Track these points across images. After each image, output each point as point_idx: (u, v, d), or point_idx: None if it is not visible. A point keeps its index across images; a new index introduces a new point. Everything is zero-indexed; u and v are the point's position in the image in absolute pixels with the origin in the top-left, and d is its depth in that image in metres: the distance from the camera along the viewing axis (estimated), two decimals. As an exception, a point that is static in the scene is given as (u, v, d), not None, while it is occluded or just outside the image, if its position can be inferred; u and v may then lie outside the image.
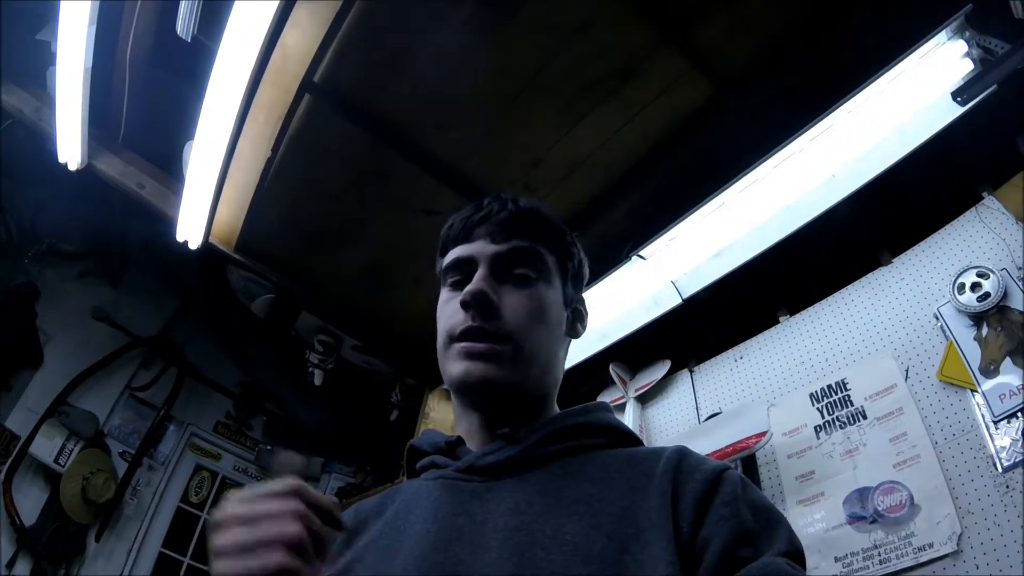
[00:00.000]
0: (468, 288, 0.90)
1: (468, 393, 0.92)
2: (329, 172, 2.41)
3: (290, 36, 1.91)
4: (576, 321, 1.05)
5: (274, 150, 2.25)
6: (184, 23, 2.18)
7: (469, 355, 0.88)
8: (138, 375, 3.57)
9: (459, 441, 0.95)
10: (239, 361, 3.94)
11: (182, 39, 2.23)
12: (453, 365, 0.90)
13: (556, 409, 0.98)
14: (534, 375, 0.93)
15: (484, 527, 0.78)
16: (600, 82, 2.07)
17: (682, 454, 0.84)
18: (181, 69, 2.43)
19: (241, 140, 2.17)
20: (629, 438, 0.96)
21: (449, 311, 0.94)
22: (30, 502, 3.05)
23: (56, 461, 3.13)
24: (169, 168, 2.70)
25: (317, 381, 3.26)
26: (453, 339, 0.91)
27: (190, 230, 2.57)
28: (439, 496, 0.85)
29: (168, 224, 2.62)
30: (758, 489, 0.82)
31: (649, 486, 0.79)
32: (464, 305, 0.90)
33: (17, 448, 3.05)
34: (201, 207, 2.46)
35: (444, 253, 1.02)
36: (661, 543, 0.71)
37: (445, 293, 0.98)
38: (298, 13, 1.84)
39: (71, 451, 3.19)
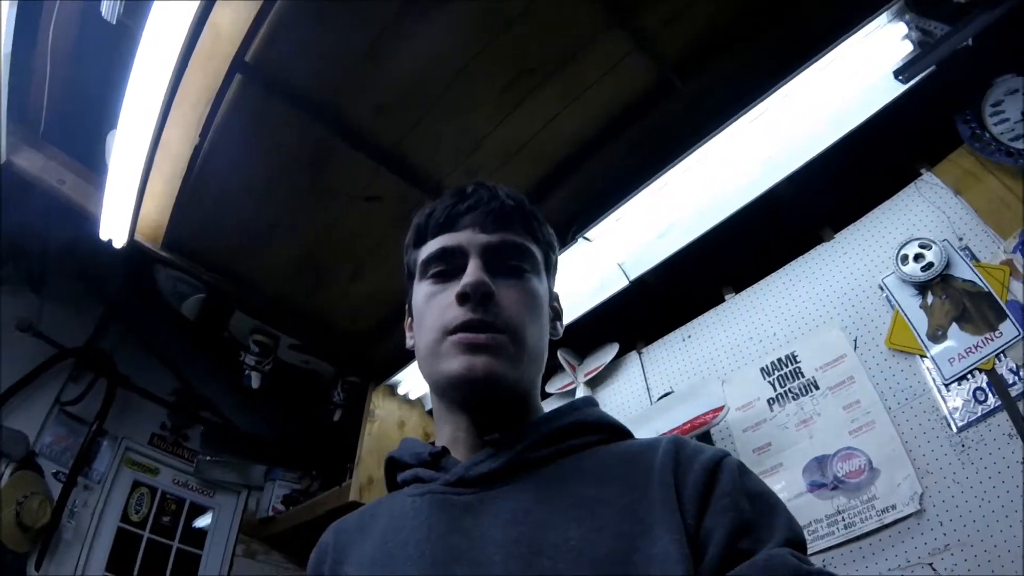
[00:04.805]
0: (466, 280, 0.85)
1: (468, 390, 0.85)
2: (262, 158, 2.28)
3: (221, 14, 1.82)
4: (556, 320, 1.01)
5: (202, 136, 2.13)
6: (109, 4, 2.06)
7: (471, 348, 0.83)
8: (67, 389, 3.34)
9: (443, 451, 0.89)
10: (172, 368, 3.74)
11: (107, 23, 2.10)
12: (450, 361, 0.84)
13: (541, 407, 0.94)
14: (531, 370, 0.90)
15: (483, 542, 0.74)
16: (542, 64, 2.04)
17: (679, 444, 0.82)
18: (106, 55, 2.28)
19: (167, 127, 2.05)
20: (621, 432, 0.92)
21: (440, 305, 0.88)
22: (-38, 533, 2.84)
23: (-13, 487, 2.92)
24: (92, 162, 2.55)
25: (254, 384, 3.13)
26: (448, 333, 0.84)
27: (114, 227, 2.43)
28: (430, 514, 0.81)
29: (92, 223, 2.47)
30: (755, 475, 0.79)
31: (650, 481, 0.77)
32: (462, 298, 0.85)
33: (-53, 476, 2.84)
34: (125, 201, 2.32)
35: (421, 243, 0.96)
36: (672, 536, 0.69)
37: (428, 286, 0.92)
38: (230, -10, 1.76)
39: (2, 475, 2.96)
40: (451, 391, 0.88)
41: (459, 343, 0.83)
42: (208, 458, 3.73)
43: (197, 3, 1.74)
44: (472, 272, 0.86)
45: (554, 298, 1.03)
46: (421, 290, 0.93)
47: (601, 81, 2.11)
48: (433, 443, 0.93)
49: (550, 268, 1.01)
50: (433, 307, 0.89)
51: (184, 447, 3.76)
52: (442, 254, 0.92)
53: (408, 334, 1.01)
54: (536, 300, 0.92)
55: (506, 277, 0.90)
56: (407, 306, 1.02)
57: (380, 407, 3.12)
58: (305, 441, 3.83)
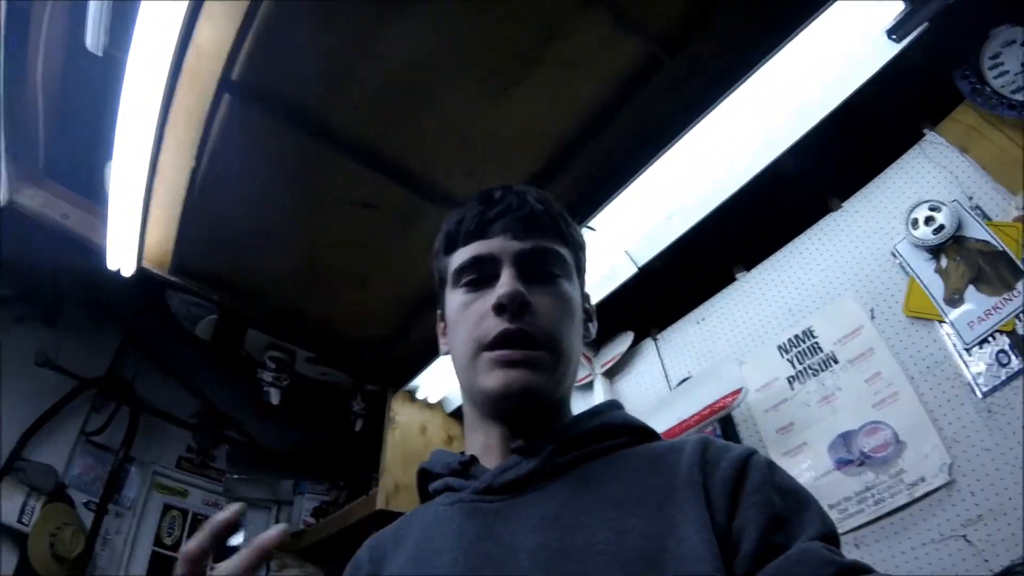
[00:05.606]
0: (502, 290, 0.86)
1: (504, 404, 0.87)
2: (257, 175, 2.25)
3: (203, 33, 1.80)
4: (588, 321, 1.01)
5: (197, 158, 2.12)
6: (94, 36, 2.03)
7: (507, 363, 0.84)
8: (91, 419, 3.40)
9: (472, 460, 0.90)
10: (192, 390, 3.78)
11: (94, 55, 2.08)
12: (487, 377, 0.86)
13: (571, 412, 0.94)
14: (567, 380, 0.91)
15: (513, 548, 0.75)
16: (528, 48, 1.97)
17: (705, 444, 0.82)
18: (97, 84, 2.26)
19: (163, 152, 2.05)
20: (646, 434, 0.92)
21: (474, 315, 0.89)
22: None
23: (20, 521, 2.96)
24: (93, 194, 2.56)
25: (274, 400, 3.13)
26: (484, 347, 0.85)
27: (121, 257, 2.44)
28: (461, 522, 0.82)
29: (99, 254, 2.48)
30: (784, 471, 0.79)
31: (677, 480, 0.77)
32: (499, 308, 0.85)
33: (-21, 514, 2.88)
34: (129, 230, 2.32)
35: (452, 250, 0.96)
36: (702, 535, 0.69)
37: (461, 295, 0.92)
38: (210, 7, 1.73)
39: (33, 508, 3.02)
40: (489, 404, 0.89)
41: (496, 359, 0.84)
42: (236, 476, 3.77)
43: (180, 23, 1.73)
44: (507, 282, 0.87)
45: (585, 299, 1.03)
46: (455, 299, 0.94)
47: (588, 63, 2.04)
48: (463, 452, 0.94)
49: (580, 269, 1.01)
50: (468, 317, 0.90)
51: (211, 467, 3.81)
52: (474, 262, 0.92)
53: (441, 340, 1.01)
54: (570, 305, 0.92)
55: (539, 284, 0.90)
56: (439, 312, 1.03)
57: (400, 413, 3.10)
58: (330, 453, 3.84)
